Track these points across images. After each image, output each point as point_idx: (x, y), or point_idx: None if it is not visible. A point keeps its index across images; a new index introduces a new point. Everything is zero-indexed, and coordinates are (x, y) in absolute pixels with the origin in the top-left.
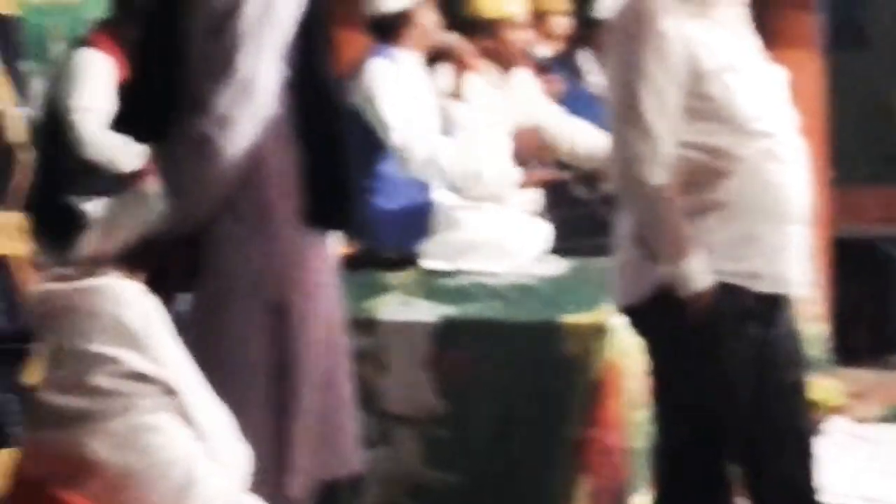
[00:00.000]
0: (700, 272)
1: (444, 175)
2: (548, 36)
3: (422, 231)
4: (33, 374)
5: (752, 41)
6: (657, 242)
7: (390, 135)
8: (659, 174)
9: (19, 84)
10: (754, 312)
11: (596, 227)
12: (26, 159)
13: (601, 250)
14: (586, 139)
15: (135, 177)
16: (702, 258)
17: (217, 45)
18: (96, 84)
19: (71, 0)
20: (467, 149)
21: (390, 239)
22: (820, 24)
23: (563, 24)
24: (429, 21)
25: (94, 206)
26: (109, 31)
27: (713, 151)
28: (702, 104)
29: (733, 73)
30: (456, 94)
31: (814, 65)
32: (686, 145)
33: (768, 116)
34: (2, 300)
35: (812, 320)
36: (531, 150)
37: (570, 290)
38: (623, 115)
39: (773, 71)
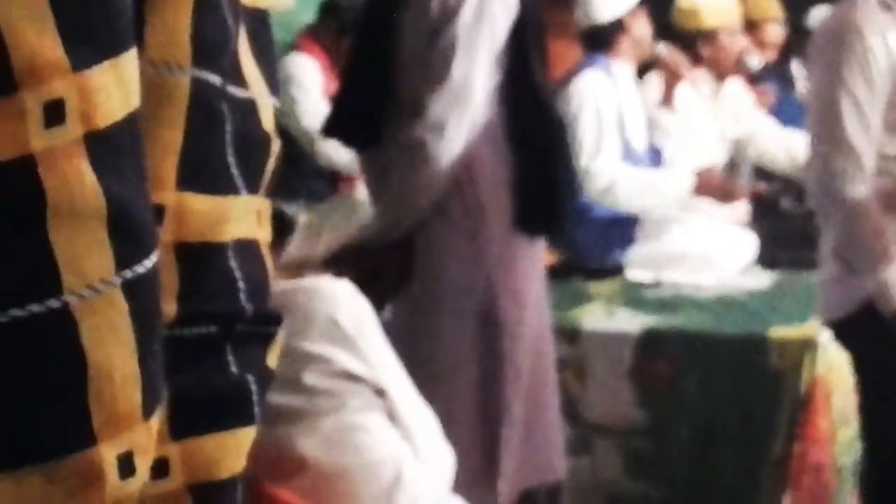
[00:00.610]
0: None
1: (620, 206)
2: (761, 44)
3: (627, 241)
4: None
5: None
6: (857, 257)
7: (580, 156)
8: (859, 188)
9: None
10: None
11: (803, 240)
12: (276, 148)
13: (808, 263)
14: (798, 150)
15: (345, 182)
16: None
17: (432, 51)
18: (311, 88)
19: (284, 6)
20: (654, 189)
21: (595, 248)
22: None
23: (776, 32)
24: (642, 30)
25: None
26: (314, 36)
27: None
28: None
29: None
30: (666, 104)
31: None
32: (891, 159)
33: None
34: (249, 283)
35: None
36: (712, 190)
37: (777, 304)
38: (823, 128)
39: None
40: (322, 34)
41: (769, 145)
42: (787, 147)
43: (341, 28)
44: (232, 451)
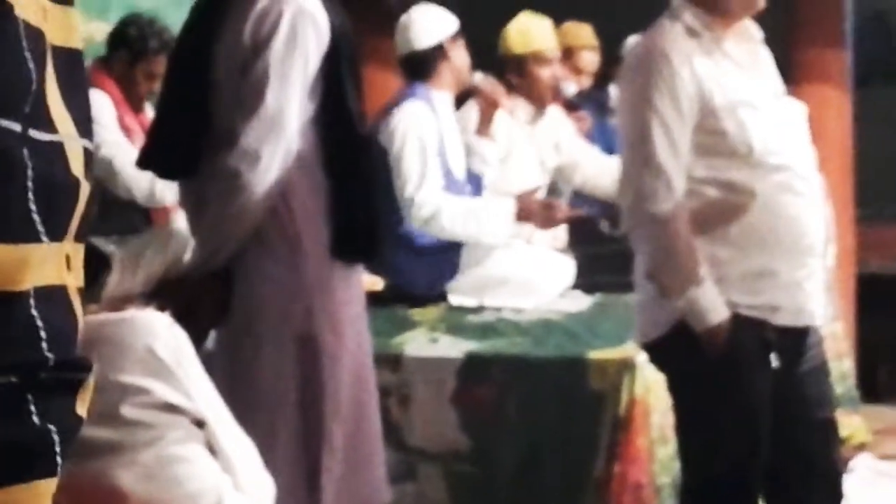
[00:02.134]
0: (714, 306)
1: (446, 234)
2: (576, 71)
3: (449, 268)
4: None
5: (768, 76)
6: (669, 276)
7: (404, 186)
8: (669, 209)
9: None
10: (775, 345)
11: (622, 264)
12: (86, 191)
13: (627, 286)
14: (606, 169)
15: (160, 213)
16: (716, 292)
17: (246, 80)
18: (106, 122)
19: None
20: (476, 217)
21: (417, 275)
22: (847, 61)
23: (591, 59)
24: (461, 58)
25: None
26: (106, 68)
27: (728, 186)
28: (715, 140)
29: (747, 107)
30: (484, 132)
31: (841, 101)
32: (701, 181)
33: (783, 150)
34: (52, 331)
35: (838, 357)
36: (533, 215)
37: (596, 327)
38: (634, 152)
39: (791, 105)
40: (114, 65)
41: (593, 172)
42: (611, 173)
43: (133, 58)
44: (32, 503)
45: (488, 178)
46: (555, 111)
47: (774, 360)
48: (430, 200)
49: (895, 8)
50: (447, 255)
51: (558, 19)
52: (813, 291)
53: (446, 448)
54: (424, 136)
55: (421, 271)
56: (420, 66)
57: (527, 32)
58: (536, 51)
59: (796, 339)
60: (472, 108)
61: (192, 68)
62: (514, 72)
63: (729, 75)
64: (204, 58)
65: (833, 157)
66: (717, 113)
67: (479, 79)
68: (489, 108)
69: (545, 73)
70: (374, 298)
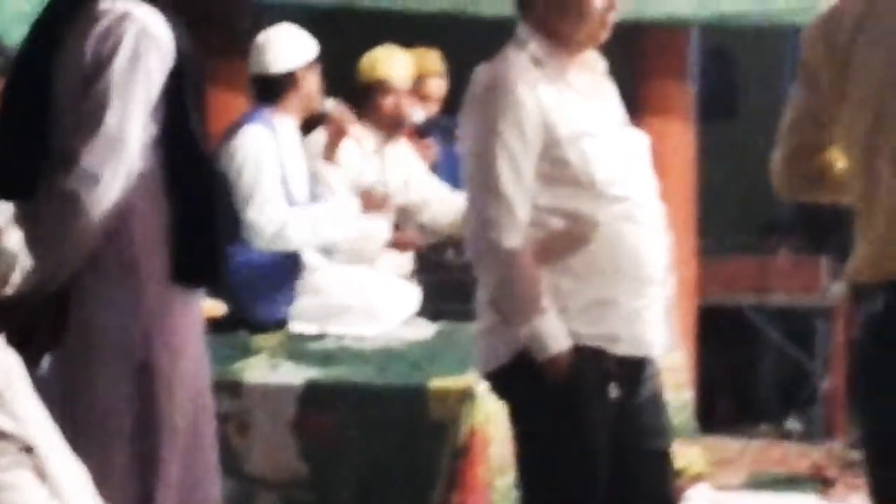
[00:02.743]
0: (556, 335)
1: (293, 246)
2: (424, 98)
3: (290, 294)
4: None
5: (612, 107)
6: (511, 306)
7: (246, 208)
8: (513, 238)
9: None
10: (615, 376)
11: (465, 292)
12: None
13: (471, 315)
14: (454, 206)
15: None
16: (558, 321)
17: (86, 100)
18: None
19: None
20: (322, 221)
21: (259, 301)
22: (691, 95)
23: (438, 86)
24: (312, 85)
25: None
26: None
27: (570, 216)
28: (558, 169)
29: (590, 138)
30: (330, 158)
31: (685, 134)
32: (545, 210)
33: (626, 181)
34: None
35: (677, 387)
36: (375, 203)
37: (438, 355)
38: (479, 180)
39: (634, 136)
40: None
41: (440, 210)
42: (457, 211)
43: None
44: None
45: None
46: (405, 146)
47: (614, 391)
48: (273, 218)
49: (739, 44)
50: (285, 280)
51: (408, 45)
52: (653, 322)
53: (285, 476)
54: (263, 158)
55: (262, 297)
56: (269, 90)
57: (375, 61)
58: (381, 80)
59: (635, 369)
60: (320, 134)
61: (31, 87)
62: (361, 99)
63: (573, 106)
64: (43, 76)
65: (676, 189)
66: (560, 143)
67: (330, 105)
68: (336, 135)
69: (387, 103)
70: (214, 324)
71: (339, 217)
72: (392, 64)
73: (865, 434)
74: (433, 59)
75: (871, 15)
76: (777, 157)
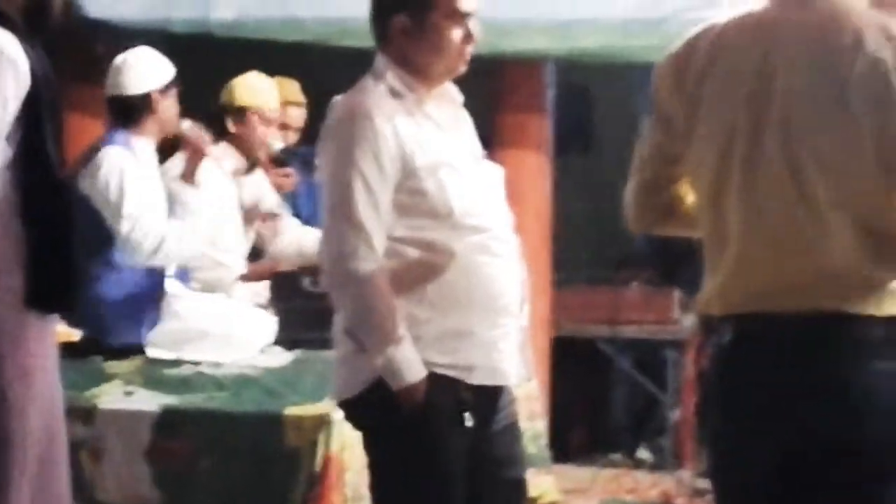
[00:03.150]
0: (412, 364)
1: (174, 259)
2: (283, 127)
3: (147, 320)
4: None
5: (468, 139)
6: (367, 334)
7: (120, 223)
8: (370, 268)
9: None
10: (470, 405)
11: (322, 320)
12: None
13: (327, 343)
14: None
15: None
16: (413, 350)
17: None
18: None
19: None
20: (195, 234)
21: (115, 326)
22: (548, 128)
23: (298, 115)
24: (169, 109)
25: None
26: None
27: (427, 246)
28: (415, 200)
29: (447, 169)
30: (189, 180)
31: (541, 166)
32: (401, 240)
33: (482, 212)
34: None
35: (531, 417)
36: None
37: (294, 383)
38: (336, 210)
39: (489, 168)
40: None
41: (292, 240)
42: (310, 240)
43: None
44: None
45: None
46: (260, 176)
47: (469, 420)
48: (149, 231)
49: (595, 81)
50: (142, 306)
51: (268, 73)
52: (508, 352)
53: (137, 503)
54: (127, 175)
55: (125, 319)
56: (126, 112)
57: (243, 88)
58: (248, 106)
59: (490, 399)
60: (179, 158)
61: None
62: (232, 122)
63: (430, 137)
64: None
65: (532, 221)
66: (418, 173)
67: (187, 126)
68: (195, 157)
69: (253, 130)
70: (68, 349)
71: (220, 228)
72: (260, 92)
73: (711, 465)
74: (293, 89)
75: (719, 54)
76: (629, 191)
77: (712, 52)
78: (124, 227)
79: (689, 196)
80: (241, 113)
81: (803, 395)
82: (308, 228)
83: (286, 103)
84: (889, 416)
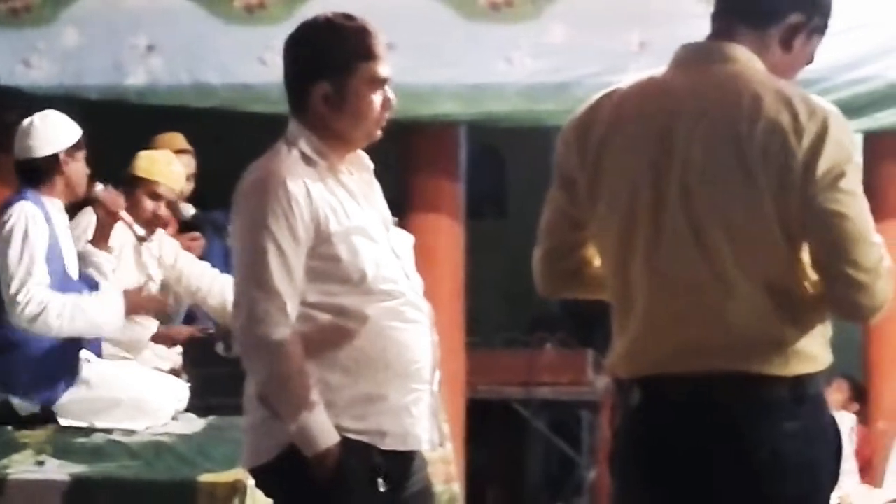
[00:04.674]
0: (325, 430)
1: (54, 332)
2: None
3: (59, 387)
4: None
5: (379, 206)
6: (280, 401)
7: (9, 284)
8: (283, 333)
9: None
10: (383, 471)
11: (236, 386)
12: None
13: (240, 409)
14: (226, 291)
15: None
16: (326, 416)
17: None
18: None
19: None
20: (86, 310)
21: (25, 394)
22: (461, 192)
23: (187, 163)
24: (77, 170)
25: None
26: None
27: (339, 311)
28: (327, 265)
29: (360, 235)
30: (101, 242)
31: (454, 231)
32: (314, 306)
33: (394, 278)
34: None
35: (447, 480)
36: (144, 305)
37: (207, 449)
38: (248, 275)
39: (401, 235)
40: None
41: (199, 283)
42: (219, 284)
43: None
44: None
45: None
46: (160, 232)
47: (381, 485)
48: (35, 297)
49: (507, 143)
50: (54, 373)
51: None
52: (420, 416)
53: None
54: (32, 235)
55: (25, 388)
56: (34, 173)
57: (149, 162)
58: (150, 181)
59: (403, 464)
60: (87, 215)
61: None
62: (127, 191)
63: (343, 203)
64: None
65: (445, 285)
66: (331, 239)
67: (100, 189)
68: (108, 220)
69: (151, 205)
70: None
71: (103, 311)
72: (164, 169)
73: None
74: (178, 139)
75: (621, 119)
76: (536, 257)
77: (614, 117)
78: (11, 288)
79: (595, 260)
80: (143, 186)
81: (712, 457)
82: (216, 273)
83: (177, 152)
84: (796, 476)
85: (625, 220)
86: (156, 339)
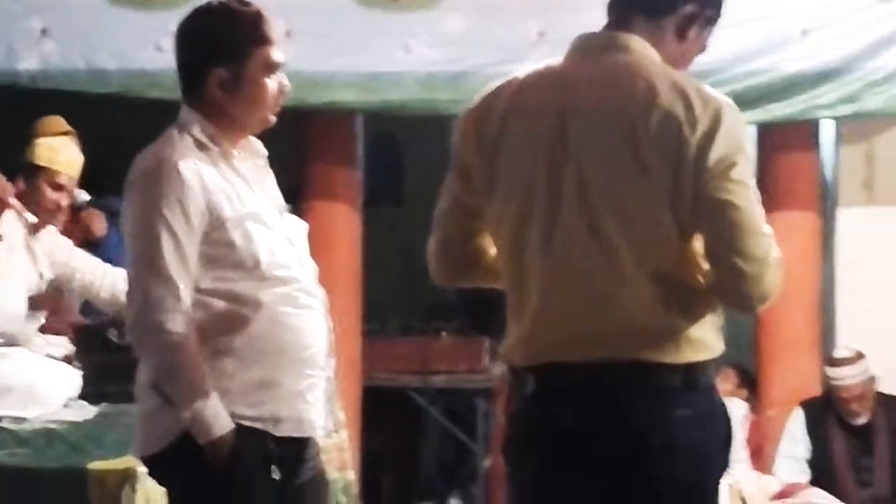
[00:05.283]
0: (218, 417)
1: None
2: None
3: None
4: None
5: (273, 192)
6: (174, 388)
7: None
8: (177, 320)
9: None
10: (276, 457)
11: (128, 373)
12: None
13: (132, 397)
14: (117, 284)
15: None
16: (220, 403)
17: None
18: None
19: None
20: None
21: None
22: (357, 180)
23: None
24: None
25: None
26: None
27: (233, 297)
28: (221, 251)
29: (252, 221)
30: None
31: (351, 218)
32: (208, 292)
33: (287, 264)
34: None
35: (340, 467)
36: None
37: (98, 437)
38: (141, 262)
39: (294, 221)
40: None
41: (92, 279)
42: (111, 283)
43: None
44: None
45: None
46: (52, 228)
47: (275, 472)
48: None
49: (404, 131)
50: None
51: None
52: (315, 403)
53: None
54: None
55: None
56: None
57: (47, 150)
58: (55, 171)
59: (297, 451)
60: None
61: None
62: (27, 179)
63: (236, 189)
64: None
65: (341, 272)
66: (224, 225)
67: None
68: None
69: (51, 195)
70: None
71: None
72: (64, 158)
73: None
74: (60, 122)
75: (518, 109)
76: (431, 245)
77: (511, 107)
78: None
79: (491, 248)
80: (41, 174)
81: (604, 445)
82: (110, 269)
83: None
84: (687, 462)
85: (520, 210)
86: (44, 330)
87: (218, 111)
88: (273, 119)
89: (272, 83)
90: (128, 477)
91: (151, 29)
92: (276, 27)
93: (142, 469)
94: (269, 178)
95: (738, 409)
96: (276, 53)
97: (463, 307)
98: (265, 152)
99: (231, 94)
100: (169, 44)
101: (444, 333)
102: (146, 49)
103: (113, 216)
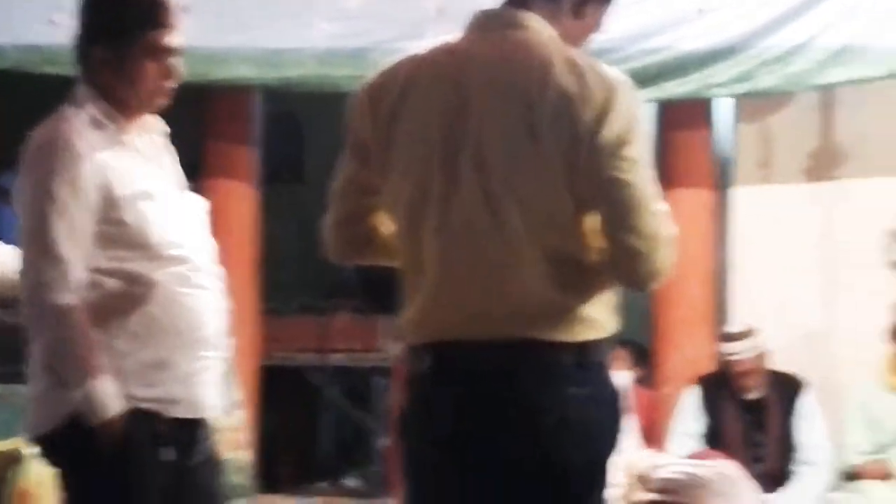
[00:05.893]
0: (111, 398)
1: None
2: None
3: None
4: None
5: (171, 170)
6: (66, 368)
7: None
8: (68, 299)
9: None
10: (170, 438)
11: (17, 353)
12: None
13: (21, 377)
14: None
15: None
16: (113, 383)
17: None
18: None
19: None
20: None
21: None
22: (255, 157)
23: None
24: None
25: None
26: None
27: (127, 277)
28: (115, 230)
29: (147, 200)
30: None
31: (249, 196)
32: (100, 271)
33: (183, 243)
34: None
35: (236, 447)
36: None
37: None
38: (33, 240)
39: (192, 199)
40: None
41: None
42: (2, 262)
43: None
44: None
45: None
46: None
47: (167, 453)
48: None
49: (304, 108)
50: None
51: None
52: (209, 383)
53: None
54: None
55: None
56: None
57: None
58: None
59: (190, 432)
60: None
61: None
62: None
63: (131, 167)
64: None
65: (238, 251)
66: (118, 204)
67: None
68: None
69: None
70: None
71: None
72: None
73: (407, 491)
74: None
75: (413, 86)
76: (327, 222)
77: (407, 84)
78: None
79: (387, 226)
80: None
81: (498, 423)
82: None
83: None
84: (582, 442)
85: (417, 187)
86: None
87: (104, 90)
88: (162, 102)
89: (154, 67)
90: (14, 458)
91: (45, 4)
92: (172, 11)
93: (30, 451)
94: (169, 156)
95: (622, 380)
96: (169, 38)
97: (361, 285)
98: (166, 129)
99: (112, 74)
100: (62, 18)
101: (341, 312)
102: (40, 24)
103: (4, 195)
